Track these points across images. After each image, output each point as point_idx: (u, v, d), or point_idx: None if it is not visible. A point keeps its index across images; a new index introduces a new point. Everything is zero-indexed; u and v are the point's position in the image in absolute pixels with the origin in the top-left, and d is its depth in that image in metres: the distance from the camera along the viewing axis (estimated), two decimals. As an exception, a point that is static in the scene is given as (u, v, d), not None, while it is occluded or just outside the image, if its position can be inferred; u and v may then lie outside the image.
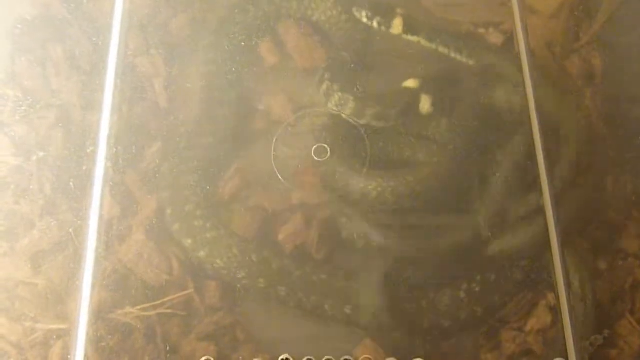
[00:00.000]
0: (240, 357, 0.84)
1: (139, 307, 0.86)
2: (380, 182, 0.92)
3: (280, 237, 0.90)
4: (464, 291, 0.88)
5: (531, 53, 1.01)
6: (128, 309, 0.86)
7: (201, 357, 0.84)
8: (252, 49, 1.02)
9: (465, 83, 1.01)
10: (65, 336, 0.84)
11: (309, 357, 0.83)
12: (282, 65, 1.02)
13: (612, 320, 0.88)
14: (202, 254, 0.89)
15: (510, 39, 1.04)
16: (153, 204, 0.92)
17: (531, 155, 0.94)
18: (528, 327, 0.87)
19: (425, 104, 0.96)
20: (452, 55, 1.03)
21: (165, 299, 0.87)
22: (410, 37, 1.03)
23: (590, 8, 1.07)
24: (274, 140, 0.95)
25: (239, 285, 0.87)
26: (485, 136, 0.96)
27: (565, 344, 0.85)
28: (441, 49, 1.03)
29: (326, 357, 0.83)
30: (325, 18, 1.03)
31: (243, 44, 1.02)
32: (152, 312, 0.86)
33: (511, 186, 0.93)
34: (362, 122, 0.95)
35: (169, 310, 0.86)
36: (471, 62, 1.02)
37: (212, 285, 0.88)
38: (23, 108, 0.96)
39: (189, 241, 0.89)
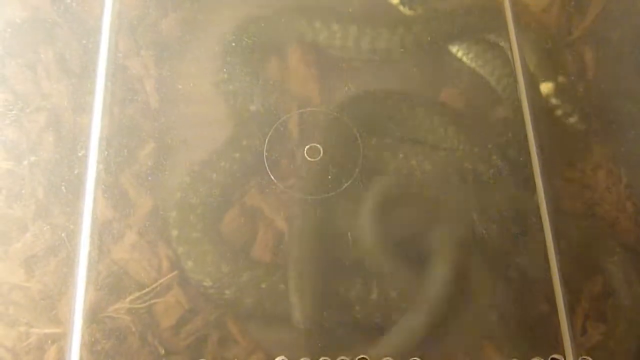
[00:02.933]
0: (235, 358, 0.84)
1: (129, 299, 0.86)
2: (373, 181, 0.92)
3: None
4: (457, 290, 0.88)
5: (523, 48, 1.01)
6: (120, 304, 0.85)
7: (197, 359, 0.84)
8: (242, 50, 1.02)
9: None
10: (60, 340, 0.84)
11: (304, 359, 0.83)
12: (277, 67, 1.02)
13: (607, 315, 0.88)
14: (180, 249, 0.89)
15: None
16: (148, 204, 0.92)
17: (524, 150, 0.94)
18: (523, 322, 0.87)
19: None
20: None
21: (159, 300, 0.87)
22: (407, 11, 1.05)
23: (581, 2, 1.07)
24: (266, 141, 0.94)
25: (227, 291, 0.87)
26: (479, 133, 0.96)
27: (562, 340, 0.85)
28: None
29: (322, 358, 0.83)
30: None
31: (234, 44, 1.02)
32: (142, 305, 0.86)
33: (505, 182, 0.93)
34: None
35: (160, 301, 0.86)
36: (464, 59, 1.03)
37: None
38: (13, 112, 0.96)
39: (176, 232, 0.90)
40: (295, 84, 1.00)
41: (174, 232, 0.90)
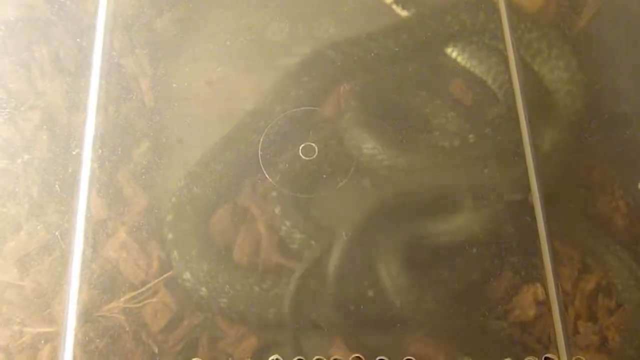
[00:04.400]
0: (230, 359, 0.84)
1: (123, 299, 0.86)
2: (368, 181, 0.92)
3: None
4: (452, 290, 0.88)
5: (518, 49, 1.01)
6: (114, 304, 0.85)
7: (191, 359, 0.84)
8: (240, 50, 1.02)
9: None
10: (54, 339, 0.84)
11: (299, 358, 0.83)
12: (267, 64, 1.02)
13: (605, 317, 0.88)
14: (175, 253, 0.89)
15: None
16: (142, 204, 0.92)
17: (520, 151, 0.94)
18: (517, 322, 0.87)
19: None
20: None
21: (154, 300, 0.86)
22: (400, 10, 1.05)
23: (576, 3, 1.07)
24: (261, 139, 0.94)
25: (226, 286, 0.87)
26: (474, 133, 0.96)
27: (555, 339, 0.85)
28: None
29: (316, 357, 0.83)
30: None
31: (228, 43, 1.02)
32: (137, 305, 0.86)
33: (500, 183, 0.93)
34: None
35: (155, 300, 0.86)
36: (459, 59, 1.03)
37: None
38: (7, 110, 0.96)
39: (170, 236, 0.90)
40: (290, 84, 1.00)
41: (169, 217, 0.90)
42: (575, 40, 1.05)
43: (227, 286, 0.87)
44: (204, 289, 0.87)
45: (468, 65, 1.02)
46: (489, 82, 1.01)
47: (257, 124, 0.96)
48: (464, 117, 0.98)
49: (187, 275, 0.87)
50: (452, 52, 1.03)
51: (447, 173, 0.95)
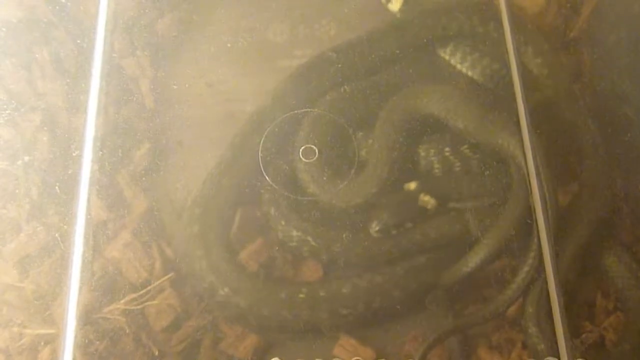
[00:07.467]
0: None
1: (123, 301, 0.86)
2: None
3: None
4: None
5: (519, 51, 1.01)
6: (114, 305, 0.85)
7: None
8: (240, 51, 1.03)
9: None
10: (53, 341, 0.84)
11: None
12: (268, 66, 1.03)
13: (603, 318, 0.88)
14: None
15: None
16: (143, 205, 0.92)
17: (520, 153, 0.94)
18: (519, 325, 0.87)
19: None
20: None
21: (154, 302, 0.87)
22: (395, 9, 1.05)
23: (576, 4, 1.07)
24: (261, 142, 0.94)
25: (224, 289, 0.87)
26: (475, 134, 0.96)
27: (556, 342, 0.85)
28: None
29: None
30: None
31: (229, 44, 1.02)
32: (138, 307, 0.86)
33: (499, 183, 0.93)
34: None
35: (155, 302, 0.86)
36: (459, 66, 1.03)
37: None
38: (7, 111, 0.96)
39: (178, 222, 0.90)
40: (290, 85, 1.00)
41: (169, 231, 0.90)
42: (575, 41, 1.05)
43: (226, 288, 0.87)
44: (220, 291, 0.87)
45: (464, 69, 1.02)
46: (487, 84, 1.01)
47: (257, 126, 0.96)
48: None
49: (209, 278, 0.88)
50: (445, 54, 1.03)
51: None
